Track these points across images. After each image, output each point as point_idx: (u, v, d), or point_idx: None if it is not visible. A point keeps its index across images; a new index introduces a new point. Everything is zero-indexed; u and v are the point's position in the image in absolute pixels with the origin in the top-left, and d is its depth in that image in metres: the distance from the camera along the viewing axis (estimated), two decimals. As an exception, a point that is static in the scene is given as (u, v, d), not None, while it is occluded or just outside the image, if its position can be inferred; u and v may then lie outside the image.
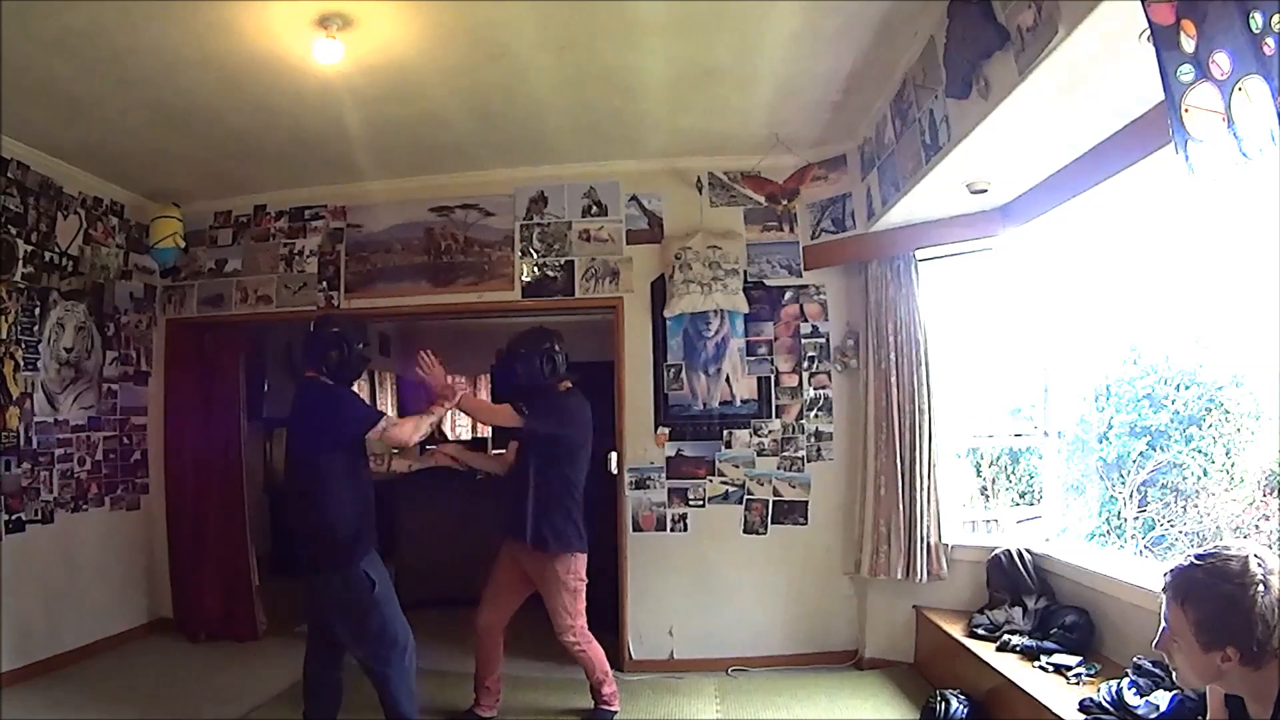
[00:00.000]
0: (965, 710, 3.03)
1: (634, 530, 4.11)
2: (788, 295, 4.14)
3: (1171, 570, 1.42)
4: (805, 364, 4.11)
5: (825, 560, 4.04)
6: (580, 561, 3.23)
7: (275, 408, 6.61)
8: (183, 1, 2.57)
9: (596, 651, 3.29)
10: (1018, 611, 3.29)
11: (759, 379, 4.13)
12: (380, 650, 2.78)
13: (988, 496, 4.36)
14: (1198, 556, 1.39)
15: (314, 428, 2.82)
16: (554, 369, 3.26)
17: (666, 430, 4.12)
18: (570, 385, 3.34)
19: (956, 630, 3.43)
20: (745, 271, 4.12)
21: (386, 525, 6.40)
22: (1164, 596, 1.42)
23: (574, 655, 3.28)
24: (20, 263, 3.81)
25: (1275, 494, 3.74)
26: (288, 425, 3.03)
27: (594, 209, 4.28)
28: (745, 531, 4.08)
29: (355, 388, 3.08)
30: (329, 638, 2.90)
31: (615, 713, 3.36)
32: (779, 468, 4.08)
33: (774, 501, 4.07)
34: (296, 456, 2.92)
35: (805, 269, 4.13)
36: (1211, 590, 1.34)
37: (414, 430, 2.86)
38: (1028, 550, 3.46)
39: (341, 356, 2.87)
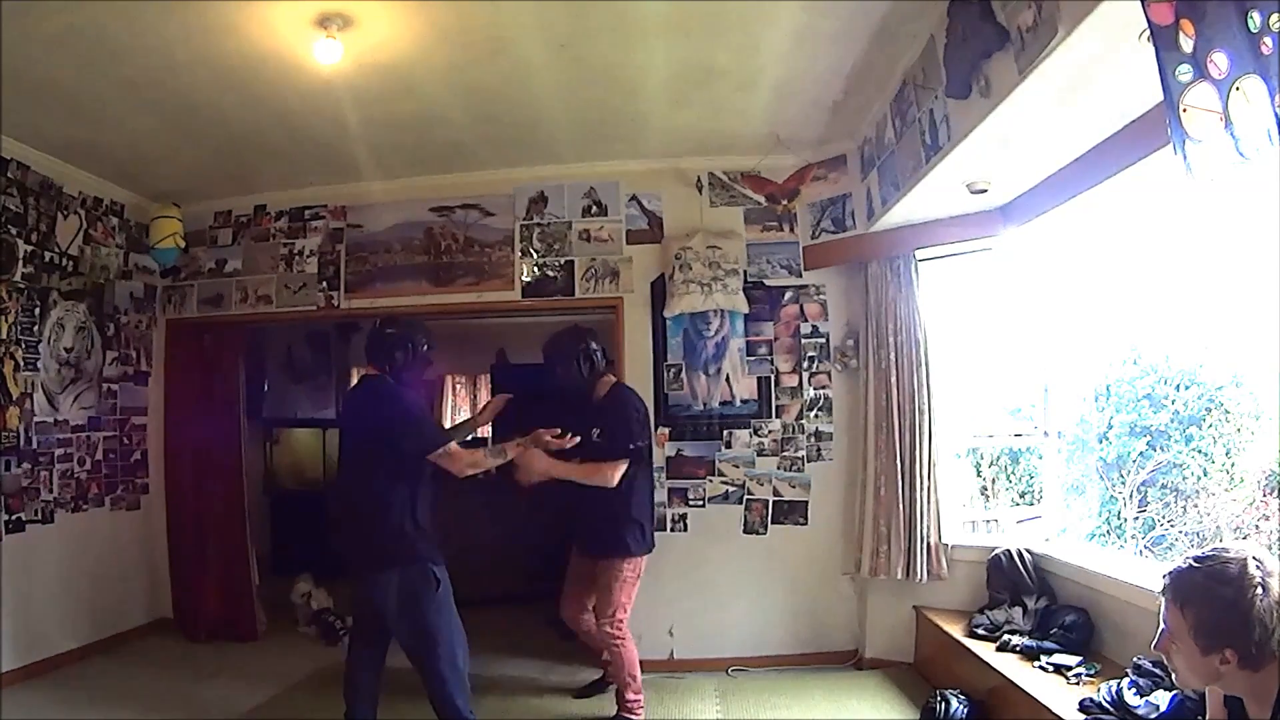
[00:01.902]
0: (965, 710, 3.02)
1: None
2: (788, 295, 4.14)
3: (1170, 573, 1.42)
4: (805, 364, 4.11)
5: (825, 560, 4.04)
6: (642, 561, 3.26)
7: (275, 408, 6.62)
8: (183, 1, 2.57)
9: (631, 652, 3.23)
10: (1018, 611, 3.29)
11: (759, 379, 4.13)
12: (437, 649, 2.75)
13: (988, 496, 4.35)
14: (1196, 559, 1.38)
15: (385, 428, 2.77)
16: (593, 368, 3.28)
17: (666, 430, 4.12)
18: (614, 382, 3.37)
19: (956, 630, 3.43)
20: (745, 271, 4.12)
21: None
22: (1162, 599, 1.42)
23: (608, 648, 3.23)
24: (20, 263, 3.81)
25: (1275, 494, 3.73)
26: (347, 422, 2.99)
27: (594, 209, 4.28)
28: (745, 531, 4.08)
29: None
30: (375, 638, 2.90)
31: None
32: (779, 468, 4.08)
33: (774, 501, 4.07)
34: (361, 455, 2.84)
35: (805, 269, 4.13)
36: (1210, 593, 1.33)
37: (485, 464, 2.81)
38: (1028, 550, 3.46)
39: (407, 358, 2.88)
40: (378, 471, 2.76)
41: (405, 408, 2.81)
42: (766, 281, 4.15)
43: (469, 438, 3.46)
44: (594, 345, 3.29)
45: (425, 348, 2.92)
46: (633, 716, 3.23)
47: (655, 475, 3.64)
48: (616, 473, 3.10)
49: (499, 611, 4.70)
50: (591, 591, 3.33)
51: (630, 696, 3.23)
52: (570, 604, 3.42)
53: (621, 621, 3.21)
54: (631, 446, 3.14)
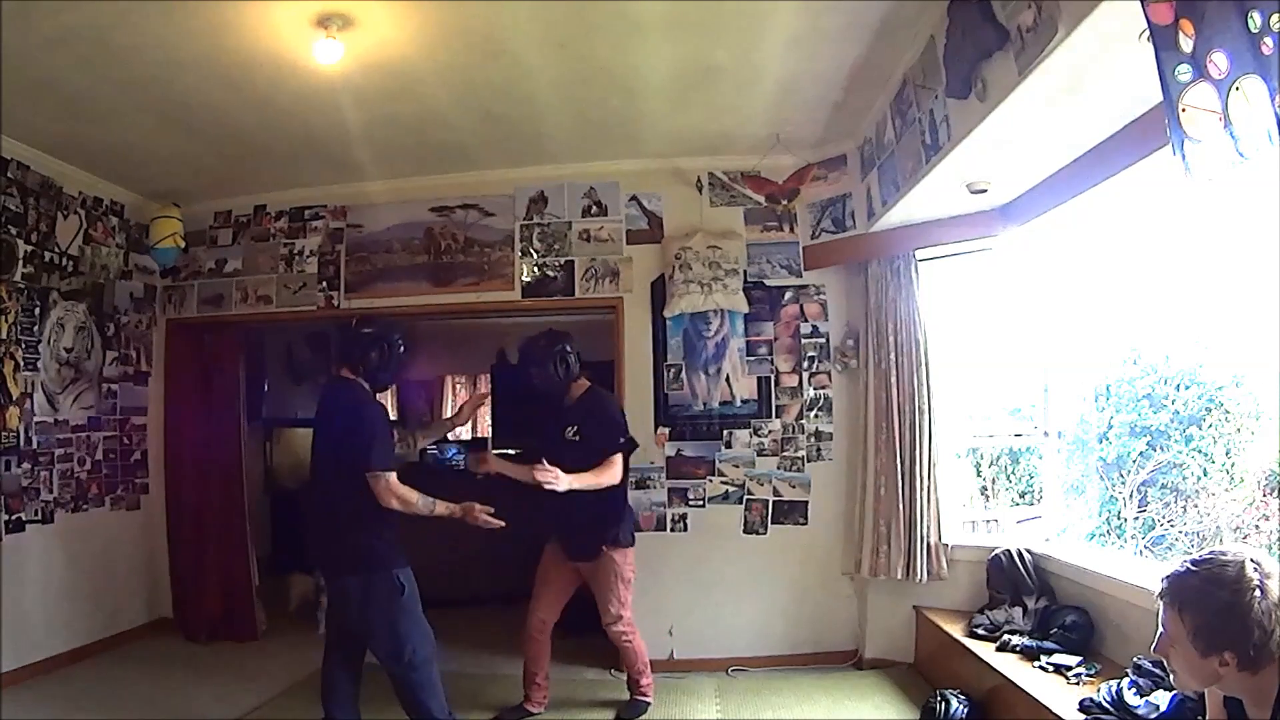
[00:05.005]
0: (965, 710, 3.02)
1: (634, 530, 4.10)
2: (788, 295, 4.14)
3: (1168, 576, 1.41)
4: (805, 364, 4.11)
5: (825, 560, 4.04)
6: (632, 553, 3.34)
7: (275, 408, 6.62)
8: (183, 1, 2.57)
9: (640, 644, 3.40)
10: (1018, 611, 3.29)
11: (759, 379, 4.13)
12: (406, 654, 2.73)
13: (988, 496, 4.35)
14: (1193, 562, 1.38)
15: (349, 435, 2.73)
16: (568, 371, 3.30)
17: (666, 430, 4.12)
18: (589, 386, 3.38)
19: (956, 630, 3.43)
20: (745, 271, 4.12)
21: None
22: (1160, 603, 1.42)
23: (620, 645, 3.38)
24: (20, 263, 3.81)
25: (1275, 494, 3.73)
26: (319, 423, 2.92)
27: (594, 209, 4.28)
28: (745, 531, 4.08)
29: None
30: (345, 639, 2.87)
31: (650, 704, 3.43)
32: (779, 468, 4.08)
33: (774, 501, 4.07)
34: (328, 458, 2.81)
35: (805, 269, 4.13)
36: (1207, 597, 1.33)
37: (412, 504, 2.71)
38: (1028, 550, 3.46)
39: (382, 358, 2.85)
40: (342, 476, 2.72)
41: (363, 417, 2.75)
42: (766, 281, 4.15)
43: (444, 437, 3.46)
44: (569, 349, 3.31)
45: (401, 348, 2.89)
46: (645, 698, 3.45)
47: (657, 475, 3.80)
48: (618, 468, 3.20)
49: (488, 611, 4.75)
50: (567, 596, 3.39)
51: (644, 682, 3.45)
52: (543, 608, 3.34)
53: (631, 619, 3.34)
54: (622, 440, 3.26)
